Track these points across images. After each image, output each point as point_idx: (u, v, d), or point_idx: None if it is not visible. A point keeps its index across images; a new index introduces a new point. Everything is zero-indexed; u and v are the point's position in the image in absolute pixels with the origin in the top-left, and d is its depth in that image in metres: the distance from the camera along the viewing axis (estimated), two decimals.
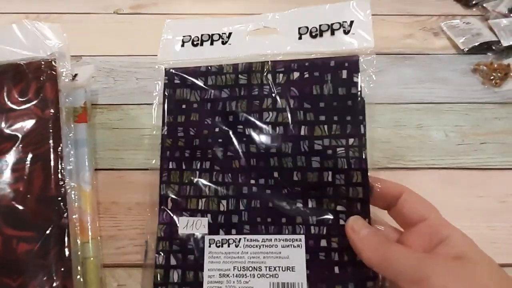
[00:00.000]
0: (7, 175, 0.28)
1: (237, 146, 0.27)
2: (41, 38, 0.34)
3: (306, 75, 0.27)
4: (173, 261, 0.25)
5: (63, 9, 0.52)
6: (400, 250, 0.21)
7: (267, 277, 0.24)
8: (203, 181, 0.26)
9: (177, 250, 0.25)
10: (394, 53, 0.46)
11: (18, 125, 0.30)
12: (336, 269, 0.24)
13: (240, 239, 0.25)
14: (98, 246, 0.29)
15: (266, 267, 0.24)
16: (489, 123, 0.38)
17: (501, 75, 0.42)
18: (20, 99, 0.31)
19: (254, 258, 0.25)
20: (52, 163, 0.29)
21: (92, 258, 0.28)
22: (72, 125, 0.32)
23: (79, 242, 0.28)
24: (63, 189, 0.28)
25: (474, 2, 0.51)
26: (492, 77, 0.42)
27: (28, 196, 0.27)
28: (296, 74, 0.27)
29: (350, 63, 0.27)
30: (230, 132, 0.27)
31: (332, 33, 0.28)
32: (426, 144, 0.36)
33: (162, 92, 0.29)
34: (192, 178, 0.27)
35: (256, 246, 0.25)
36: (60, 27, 0.35)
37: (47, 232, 0.26)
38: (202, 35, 0.29)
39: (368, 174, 0.25)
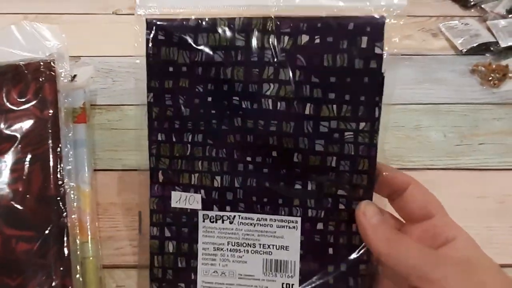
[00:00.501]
0: (6, 175, 0.28)
1: (233, 120, 0.24)
2: (40, 39, 0.34)
3: (317, 40, 0.22)
4: (167, 233, 0.25)
5: (62, 9, 0.52)
6: (412, 244, 0.21)
7: (261, 254, 0.24)
8: (195, 155, 0.25)
9: (171, 222, 0.25)
10: (392, 53, 0.46)
11: (17, 126, 0.30)
12: (330, 251, 0.24)
13: (234, 216, 0.25)
14: (97, 246, 0.29)
15: (260, 244, 0.24)
16: (488, 123, 0.38)
17: (499, 76, 0.42)
18: (19, 99, 0.31)
19: (248, 235, 0.25)
20: (51, 163, 0.29)
21: (91, 258, 0.28)
22: (71, 126, 0.32)
23: (78, 242, 0.28)
24: (62, 189, 0.28)
25: (472, 3, 0.51)
26: (490, 78, 0.42)
27: (27, 196, 0.28)
28: (305, 38, 0.23)
29: (373, 28, 0.22)
30: (225, 103, 0.24)
31: None
32: (424, 144, 0.36)
33: (145, 50, 0.24)
34: (183, 151, 0.25)
35: (251, 224, 0.25)
36: (58, 28, 0.35)
37: (46, 231, 0.26)
38: None
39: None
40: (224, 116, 0.24)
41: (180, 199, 0.25)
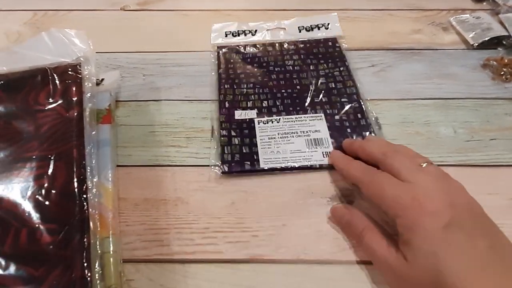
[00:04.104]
0: (34, 171, 0.30)
1: (270, 76, 0.42)
2: (68, 44, 0.37)
3: (308, 45, 0.46)
4: (233, 133, 0.37)
5: (71, 6, 0.53)
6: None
7: (302, 136, 0.36)
8: (249, 92, 0.40)
9: (235, 127, 0.37)
10: (402, 48, 0.45)
11: (44, 125, 0.32)
12: (348, 130, 0.36)
13: (279, 118, 0.38)
14: (118, 241, 0.29)
15: (300, 131, 0.36)
16: (499, 119, 0.37)
17: None
18: (46, 101, 0.33)
19: (291, 127, 0.37)
20: (74, 161, 0.30)
21: (112, 253, 0.28)
22: (94, 124, 0.34)
23: (98, 236, 0.28)
24: (84, 184, 0.29)
25: None
26: (502, 73, 0.41)
27: (52, 191, 0.29)
28: (301, 45, 0.46)
29: (333, 39, 0.47)
30: (265, 70, 0.43)
31: (319, 29, 0.48)
32: (434, 140, 0.36)
33: (216, 56, 0.45)
34: (241, 91, 0.40)
35: (292, 121, 0.37)
36: (85, 33, 0.37)
37: (69, 225, 0.27)
38: (238, 30, 0.48)
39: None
40: (265, 74, 0.42)
41: (241, 114, 0.38)
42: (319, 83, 0.41)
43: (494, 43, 0.44)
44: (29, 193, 0.29)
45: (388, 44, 0.46)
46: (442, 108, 0.39)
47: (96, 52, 0.44)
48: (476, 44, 0.44)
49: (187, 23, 0.50)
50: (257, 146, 0.35)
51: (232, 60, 0.44)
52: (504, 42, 0.44)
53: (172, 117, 0.39)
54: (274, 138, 0.36)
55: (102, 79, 0.39)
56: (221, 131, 0.36)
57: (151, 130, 0.38)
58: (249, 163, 0.34)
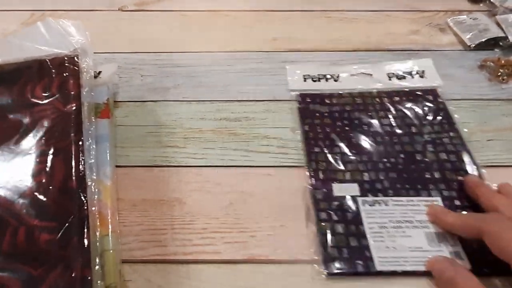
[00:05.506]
0: (31, 167, 0.29)
1: (365, 139, 0.35)
2: (64, 35, 0.35)
3: (404, 98, 0.38)
4: (334, 217, 0.30)
5: (69, 6, 0.52)
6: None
7: (420, 228, 0.29)
8: (345, 159, 0.34)
9: (336, 208, 0.30)
10: (400, 49, 0.45)
11: (41, 119, 0.31)
12: None
13: (388, 200, 0.31)
14: (117, 239, 0.29)
15: (416, 220, 0.29)
16: (496, 120, 0.38)
17: (508, 71, 0.41)
18: (43, 94, 0.32)
19: (403, 214, 0.30)
20: (73, 156, 0.29)
21: (111, 251, 0.28)
22: (93, 120, 0.33)
23: (98, 234, 0.28)
24: (83, 181, 0.28)
25: None
26: (499, 74, 0.41)
27: (50, 187, 0.28)
28: (396, 98, 0.39)
29: (432, 91, 0.39)
30: (357, 130, 0.36)
31: (412, 77, 0.41)
32: None
33: (296, 107, 0.38)
34: (335, 157, 0.34)
35: (403, 205, 0.30)
36: (82, 24, 0.36)
37: (68, 223, 0.27)
38: (318, 74, 0.41)
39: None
40: (358, 137, 0.35)
41: (341, 189, 0.32)
42: (427, 152, 0.34)
43: (491, 44, 0.45)
44: (27, 190, 0.28)
45: (385, 45, 0.46)
46: None
47: (94, 53, 0.44)
48: (473, 45, 0.44)
49: (185, 24, 0.50)
50: (366, 238, 0.28)
51: (317, 114, 0.37)
52: (501, 43, 0.44)
53: (170, 118, 0.39)
54: (385, 227, 0.29)
55: (100, 72, 0.38)
56: (319, 212, 0.30)
57: (149, 130, 0.38)
58: (361, 262, 0.27)
